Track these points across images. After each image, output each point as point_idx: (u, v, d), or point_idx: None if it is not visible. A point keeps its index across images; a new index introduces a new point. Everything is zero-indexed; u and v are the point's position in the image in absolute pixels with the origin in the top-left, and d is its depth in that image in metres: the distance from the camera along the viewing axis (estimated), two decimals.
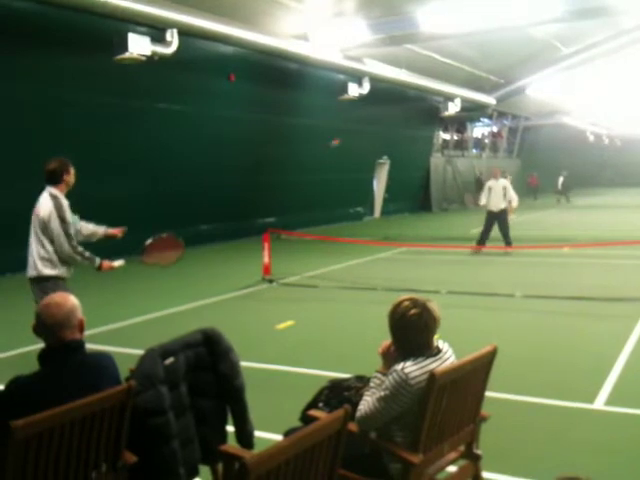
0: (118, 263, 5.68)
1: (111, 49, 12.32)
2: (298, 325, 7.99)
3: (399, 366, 2.92)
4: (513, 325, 7.86)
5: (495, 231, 14.24)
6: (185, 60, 13.83)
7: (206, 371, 3.26)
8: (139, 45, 12.31)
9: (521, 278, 11.15)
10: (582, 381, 5.70)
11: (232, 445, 3.27)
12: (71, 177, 5.61)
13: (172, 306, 9.14)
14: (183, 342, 3.22)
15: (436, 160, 29.73)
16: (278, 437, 3.42)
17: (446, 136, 31.87)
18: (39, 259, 5.51)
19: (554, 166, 37.77)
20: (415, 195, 28.86)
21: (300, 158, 19.85)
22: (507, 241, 14.08)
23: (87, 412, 2.65)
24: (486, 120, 34.50)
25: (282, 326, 7.88)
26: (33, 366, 2.89)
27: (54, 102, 12.42)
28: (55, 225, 5.43)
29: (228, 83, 16.01)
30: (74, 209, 5.72)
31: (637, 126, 45.07)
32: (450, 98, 24.87)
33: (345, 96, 19.24)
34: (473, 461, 3.25)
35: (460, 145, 33.47)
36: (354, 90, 19.15)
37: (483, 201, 14.56)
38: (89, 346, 3.06)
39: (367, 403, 2.98)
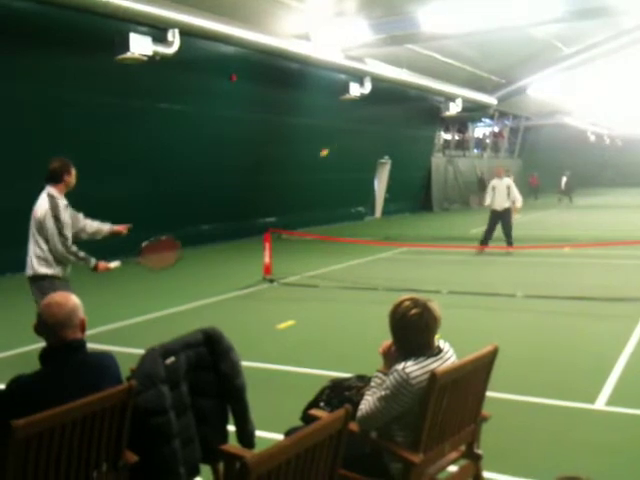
0: (114, 264, 5.65)
1: (112, 49, 12.32)
2: (299, 325, 7.99)
3: (400, 366, 2.92)
4: (514, 325, 7.86)
5: (498, 231, 14.20)
6: (186, 60, 13.83)
7: (207, 371, 3.26)
8: (141, 45, 12.33)
9: (522, 278, 11.15)
10: (583, 381, 5.70)
11: (233, 445, 3.26)
12: (72, 178, 5.62)
13: (173, 306, 9.15)
14: (184, 342, 3.22)
15: (437, 160, 29.72)
16: (279, 437, 3.41)
17: (447, 136, 31.87)
18: (35, 258, 5.52)
19: (555, 166, 37.79)
20: (416, 195, 28.86)
21: (301, 158, 19.84)
22: (509, 241, 14.05)
23: (88, 412, 2.64)
24: (487, 120, 34.47)
25: (283, 326, 7.88)
26: (33, 366, 2.89)
27: (54, 102, 12.42)
28: (50, 224, 5.44)
29: (229, 83, 16.01)
30: (75, 209, 5.73)
31: (638, 126, 45.06)
32: (451, 98, 24.86)
33: (346, 96, 19.24)
34: (474, 461, 3.25)
35: (461, 145, 33.47)
36: (355, 90, 19.14)
37: (488, 201, 14.45)
38: (90, 346, 3.06)
39: (368, 403, 2.98)
